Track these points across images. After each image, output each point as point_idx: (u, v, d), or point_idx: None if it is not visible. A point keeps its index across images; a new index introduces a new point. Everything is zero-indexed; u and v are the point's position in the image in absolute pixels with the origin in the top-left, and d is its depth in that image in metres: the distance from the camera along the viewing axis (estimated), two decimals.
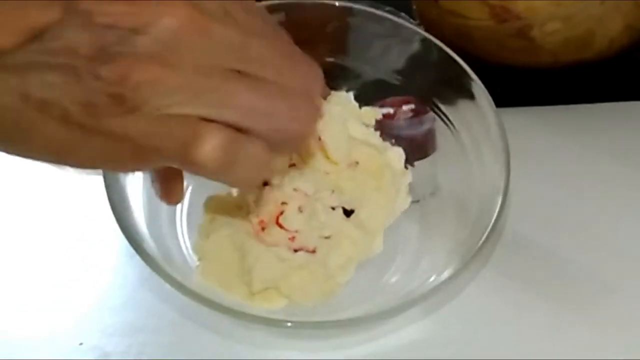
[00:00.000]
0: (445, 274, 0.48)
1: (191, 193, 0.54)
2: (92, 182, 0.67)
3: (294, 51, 0.40)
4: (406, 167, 0.54)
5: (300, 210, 0.48)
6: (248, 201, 0.49)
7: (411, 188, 0.53)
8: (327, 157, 0.50)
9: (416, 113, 0.59)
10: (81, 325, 0.55)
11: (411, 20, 0.87)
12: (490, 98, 0.56)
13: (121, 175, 0.49)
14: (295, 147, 0.42)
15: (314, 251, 0.48)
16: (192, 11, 0.34)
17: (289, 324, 0.46)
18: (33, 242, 0.61)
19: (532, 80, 0.79)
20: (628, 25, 0.76)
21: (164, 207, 0.51)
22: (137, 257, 0.59)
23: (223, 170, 0.36)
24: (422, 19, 0.84)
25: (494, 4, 0.75)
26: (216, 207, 0.52)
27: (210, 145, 0.35)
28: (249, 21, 0.37)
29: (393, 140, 0.54)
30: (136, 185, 0.50)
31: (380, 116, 0.53)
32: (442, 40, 0.82)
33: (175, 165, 0.38)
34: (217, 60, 0.35)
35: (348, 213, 0.50)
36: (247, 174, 0.37)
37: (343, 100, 0.51)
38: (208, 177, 0.37)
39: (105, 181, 0.47)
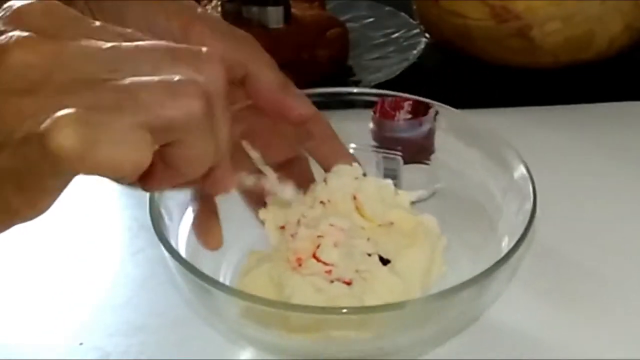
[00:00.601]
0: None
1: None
2: (92, 183, 0.67)
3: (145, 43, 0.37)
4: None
5: (335, 245, 0.49)
6: (286, 239, 0.50)
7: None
8: (362, 215, 0.51)
9: (416, 114, 0.59)
10: (81, 325, 0.55)
11: (411, 20, 0.87)
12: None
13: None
14: (185, 126, 0.37)
15: (349, 283, 0.48)
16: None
17: (344, 310, 0.46)
18: (33, 241, 0.61)
19: (532, 80, 0.79)
20: (628, 25, 0.76)
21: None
22: (137, 257, 0.60)
23: (85, 150, 0.34)
24: (422, 19, 0.84)
25: (494, 4, 0.75)
26: (258, 255, 0.52)
27: (62, 125, 0.34)
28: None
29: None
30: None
31: (414, 198, 0.53)
32: (442, 40, 0.83)
33: (54, 174, 0.37)
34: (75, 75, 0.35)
35: (384, 261, 0.50)
36: (116, 152, 0.34)
37: (379, 182, 0.53)
38: (80, 168, 0.35)
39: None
